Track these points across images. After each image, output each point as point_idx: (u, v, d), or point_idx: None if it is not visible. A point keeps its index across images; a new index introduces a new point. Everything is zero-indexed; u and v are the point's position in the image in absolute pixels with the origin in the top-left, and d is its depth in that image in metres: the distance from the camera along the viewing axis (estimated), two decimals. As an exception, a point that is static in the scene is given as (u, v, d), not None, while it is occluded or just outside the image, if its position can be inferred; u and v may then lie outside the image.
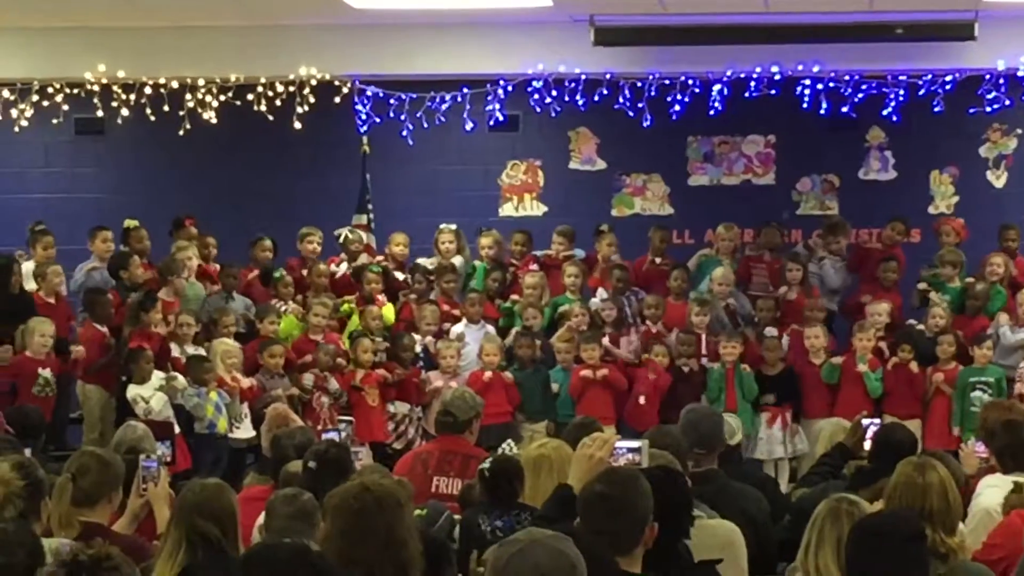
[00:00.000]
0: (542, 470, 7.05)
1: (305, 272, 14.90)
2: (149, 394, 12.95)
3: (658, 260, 15.28)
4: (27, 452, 8.21)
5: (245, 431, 13.43)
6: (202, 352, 13.62)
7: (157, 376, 13.08)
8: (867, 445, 8.28)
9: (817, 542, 5.88)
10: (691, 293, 14.75)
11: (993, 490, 7.60)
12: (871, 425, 8.48)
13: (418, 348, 14.34)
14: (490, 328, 14.52)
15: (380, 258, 15.19)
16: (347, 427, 9.92)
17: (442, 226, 15.40)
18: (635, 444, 6.04)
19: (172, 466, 9.72)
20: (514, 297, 14.91)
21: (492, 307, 14.83)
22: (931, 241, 15.17)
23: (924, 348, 13.96)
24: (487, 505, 7.36)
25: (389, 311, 14.67)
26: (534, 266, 15.21)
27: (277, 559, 4.59)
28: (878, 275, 14.77)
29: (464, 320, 14.57)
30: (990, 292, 14.34)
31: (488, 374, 13.86)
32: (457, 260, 15.24)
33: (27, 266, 14.15)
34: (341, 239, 15.30)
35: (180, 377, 13.18)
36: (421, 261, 15.26)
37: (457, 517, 7.69)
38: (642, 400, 13.87)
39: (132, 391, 12.99)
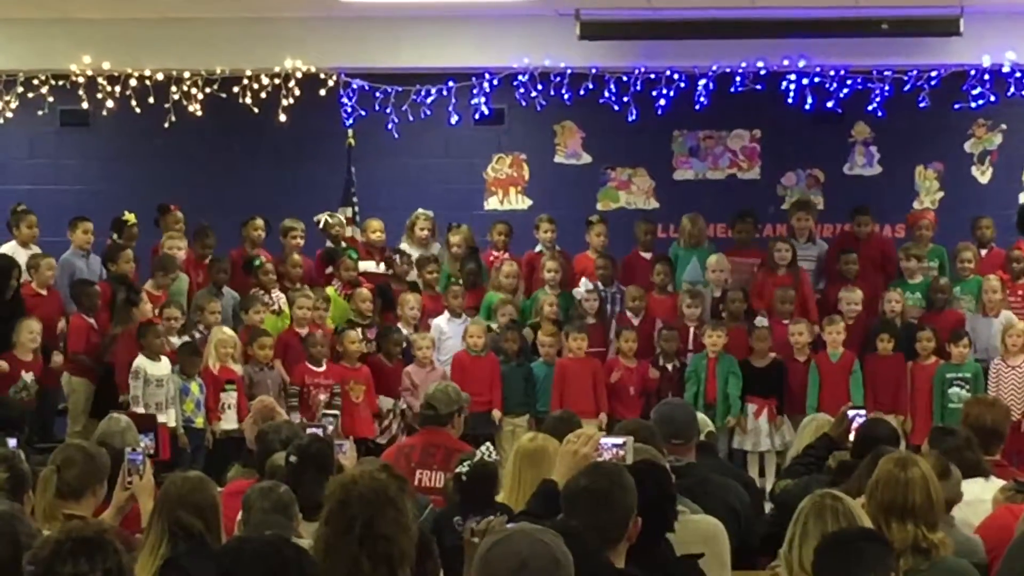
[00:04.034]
0: (542, 462, 7.02)
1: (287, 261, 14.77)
2: (154, 371, 12.92)
3: (647, 255, 15.25)
4: (12, 444, 8.19)
5: (228, 423, 13.39)
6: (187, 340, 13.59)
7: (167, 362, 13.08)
8: (852, 436, 8.28)
9: (801, 537, 5.87)
10: (683, 285, 14.73)
11: None
12: (856, 416, 8.46)
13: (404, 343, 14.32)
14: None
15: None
16: (332, 421, 9.88)
17: (419, 211, 15.36)
18: (620, 440, 6.04)
19: (155, 458, 9.72)
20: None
21: (471, 299, 14.74)
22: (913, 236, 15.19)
23: (904, 342, 13.99)
24: (461, 506, 7.35)
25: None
26: (505, 254, 15.18)
27: (250, 552, 4.59)
28: (838, 268, 14.78)
29: (447, 313, 14.54)
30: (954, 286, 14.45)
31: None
32: (435, 248, 15.21)
33: (8, 247, 14.07)
34: (321, 224, 15.23)
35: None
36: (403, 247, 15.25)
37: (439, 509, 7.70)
38: (631, 391, 13.91)
39: (140, 361, 12.92)
